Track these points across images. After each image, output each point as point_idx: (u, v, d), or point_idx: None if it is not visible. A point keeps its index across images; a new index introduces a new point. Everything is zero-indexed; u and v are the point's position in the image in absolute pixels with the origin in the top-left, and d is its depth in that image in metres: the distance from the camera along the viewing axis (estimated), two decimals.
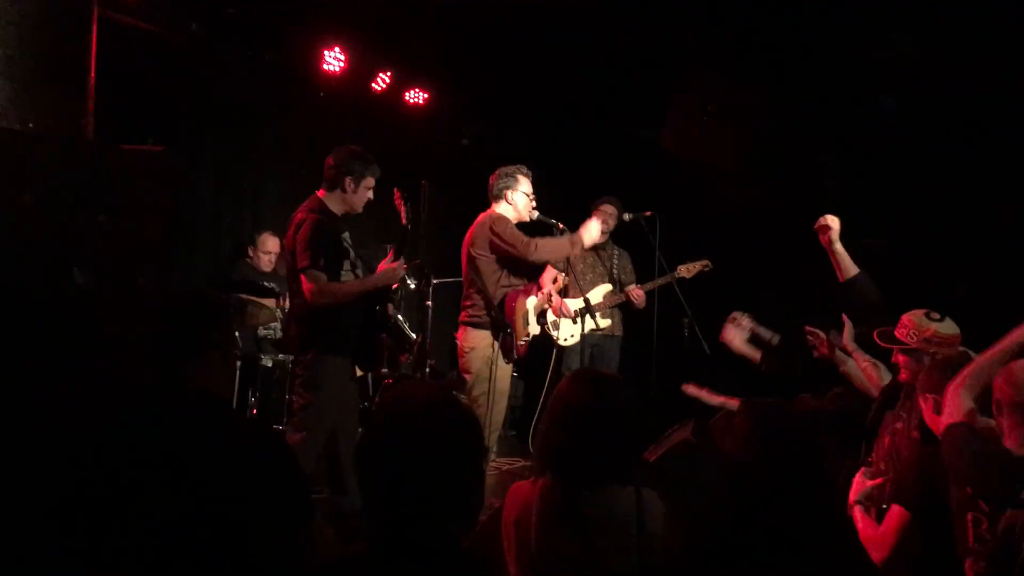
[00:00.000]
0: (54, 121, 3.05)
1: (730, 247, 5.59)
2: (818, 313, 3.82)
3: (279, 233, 5.52)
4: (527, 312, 4.35)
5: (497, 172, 4.42)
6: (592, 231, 4.44)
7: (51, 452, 2.34)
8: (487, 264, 4.27)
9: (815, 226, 3.67)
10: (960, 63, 4.55)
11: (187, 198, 5.52)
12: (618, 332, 5.49)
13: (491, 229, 4.25)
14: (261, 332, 5.51)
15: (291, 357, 5.14)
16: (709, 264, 5.27)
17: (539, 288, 4.48)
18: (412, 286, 5.06)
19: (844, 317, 3.40)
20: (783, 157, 5.58)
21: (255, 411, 5.07)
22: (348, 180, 3.80)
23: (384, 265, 3.83)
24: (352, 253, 3.86)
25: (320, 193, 3.84)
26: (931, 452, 2.44)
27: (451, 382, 4.89)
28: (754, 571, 1.71)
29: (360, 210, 3.92)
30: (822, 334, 3.57)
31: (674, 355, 5.35)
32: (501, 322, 4.23)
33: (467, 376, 4.28)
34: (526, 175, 4.42)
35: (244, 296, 5.14)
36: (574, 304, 5.09)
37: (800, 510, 1.76)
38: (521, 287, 4.34)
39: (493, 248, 4.27)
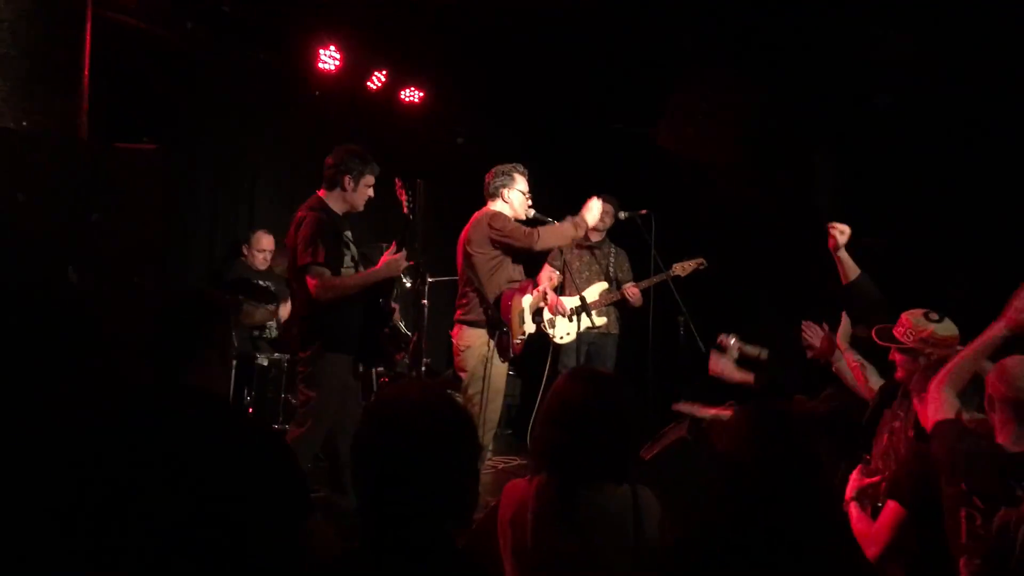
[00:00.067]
0: (48, 120, 3.04)
1: (726, 245, 5.60)
2: (815, 311, 3.82)
3: (274, 231, 5.53)
4: (523, 311, 4.35)
5: (493, 170, 4.42)
6: (594, 210, 4.42)
7: (51, 452, 2.34)
8: (483, 262, 4.26)
9: (829, 226, 3.62)
10: (958, 61, 4.55)
11: (183, 197, 5.52)
12: (614, 330, 5.49)
13: (490, 225, 4.24)
14: (256, 331, 5.51)
15: (287, 356, 5.16)
16: (704, 262, 5.28)
17: (535, 286, 4.48)
18: (408, 285, 5.06)
19: (844, 314, 3.40)
20: (779, 155, 5.59)
21: (251, 410, 5.07)
22: (347, 179, 3.82)
23: (387, 257, 3.84)
24: (354, 249, 3.88)
25: (321, 193, 3.88)
26: (925, 449, 2.45)
27: (446, 381, 4.90)
28: (751, 570, 1.71)
29: (361, 208, 3.95)
30: (819, 328, 3.58)
31: (670, 353, 5.36)
32: (497, 321, 4.22)
33: (463, 374, 4.28)
34: (522, 173, 4.41)
35: (240, 296, 5.14)
36: (570, 302, 5.10)
37: (796, 509, 1.77)
38: (517, 285, 4.34)
39: (494, 244, 4.25)
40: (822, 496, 1.88)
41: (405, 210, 3.91)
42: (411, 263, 4.10)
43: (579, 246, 5.45)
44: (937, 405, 2.42)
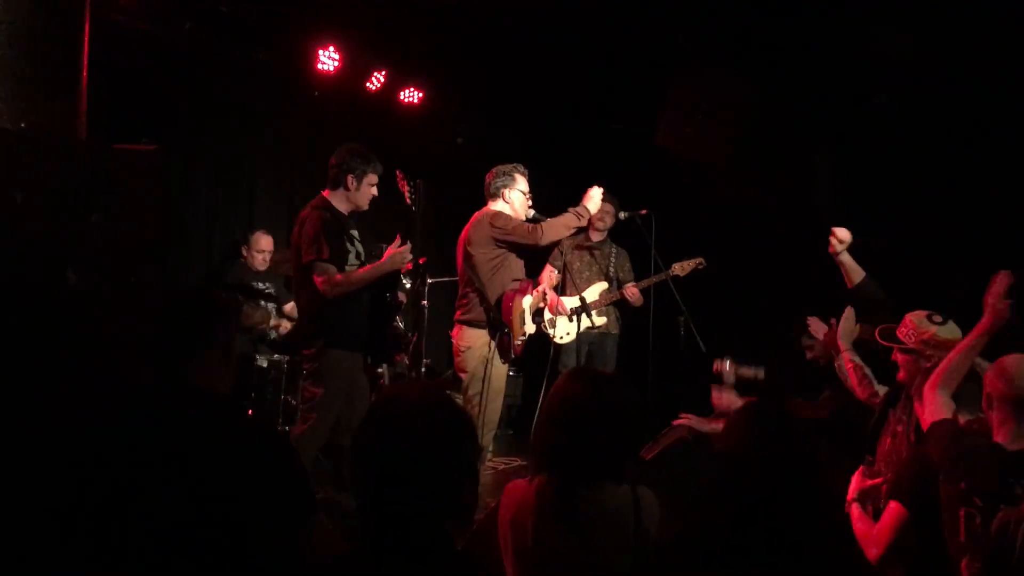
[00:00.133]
0: (46, 120, 3.03)
1: (726, 245, 5.60)
2: (815, 311, 3.82)
3: (273, 231, 5.53)
4: (523, 311, 4.34)
5: (494, 170, 4.42)
6: (595, 198, 4.41)
7: (52, 452, 2.34)
8: (484, 262, 4.25)
9: (832, 234, 3.56)
10: (957, 61, 4.56)
11: (182, 197, 5.52)
12: (614, 330, 5.50)
13: (491, 225, 4.23)
14: (256, 332, 5.50)
15: (286, 358, 5.16)
16: (703, 262, 5.28)
17: (535, 286, 4.47)
18: (408, 285, 5.06)
19: (847, 310, 3.36)
20: (779, 155, 5.60)
21: (251, 412, 5.07)
22: (350, 178, 3.85)
23: (392, 250, 3.84)
24: (359, 247, 3.90)
25: (325, 193, 3.90)
26: (925, 450, 2.46)
27: (446, 381, 4.90)
28: (751, 570, 1.71)
29: (365, 207, 3.98)
30: (824, 324, 3.56)
31: (670, 353, 5.36)
32: (499, 322, 4.22)
33: (463, 375, 4.28)
34: (523, 173, 4.41)
35: (239, 297, 5.14)
36: (570, 302, 5.10)
37: (796, 509, 1.76)
38: (519, 285, 4.34)
39: (497, 243, 4.24)
40: (822, 496, 1.87)
41: (408, 201, 3.92)
42: (421, 260, 4.09)
43: (579, 246, 5.45)
44: (932, 407, 2.42)
